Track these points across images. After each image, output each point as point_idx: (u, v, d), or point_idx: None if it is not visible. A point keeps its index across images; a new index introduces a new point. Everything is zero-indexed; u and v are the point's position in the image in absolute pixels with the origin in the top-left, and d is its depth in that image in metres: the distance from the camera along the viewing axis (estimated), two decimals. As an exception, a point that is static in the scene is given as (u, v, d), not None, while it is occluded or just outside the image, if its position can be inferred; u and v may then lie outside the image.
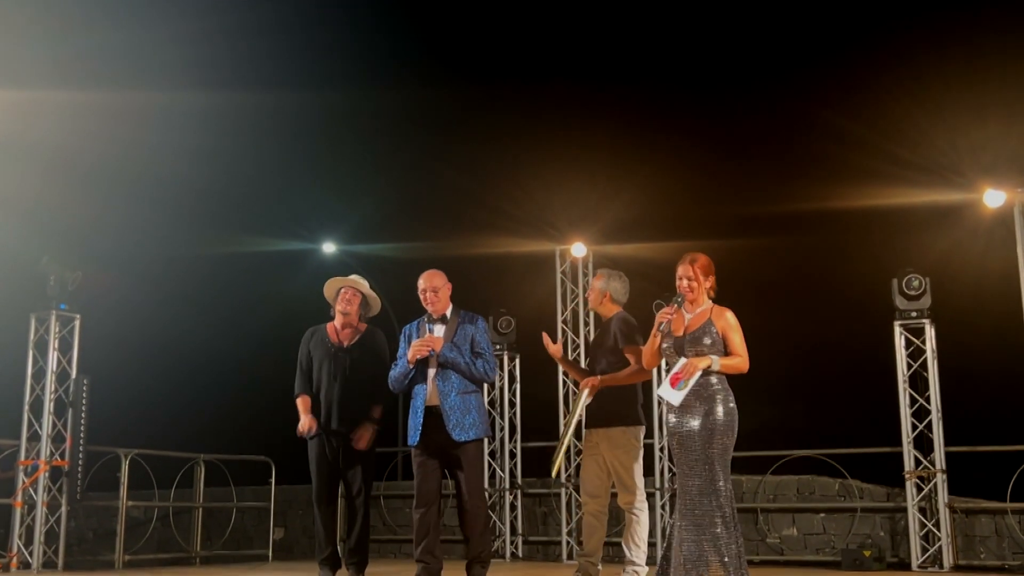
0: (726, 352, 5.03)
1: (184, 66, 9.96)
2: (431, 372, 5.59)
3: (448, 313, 5.73)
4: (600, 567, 6.07)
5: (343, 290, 6.23)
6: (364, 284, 6.30)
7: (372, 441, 6.06)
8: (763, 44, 12.01)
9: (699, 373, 4.92)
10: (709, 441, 4.89)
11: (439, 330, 5.68)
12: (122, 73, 9.44)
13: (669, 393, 4.97)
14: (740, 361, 5.02)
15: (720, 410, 4.92)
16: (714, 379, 4.98)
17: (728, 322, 5.07)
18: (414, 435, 5.59)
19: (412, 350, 5.60)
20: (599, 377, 5.96)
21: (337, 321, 6.25)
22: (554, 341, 6.19)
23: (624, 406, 5.99)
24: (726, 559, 4.73)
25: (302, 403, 6.13)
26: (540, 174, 11.56)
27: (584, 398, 5.87)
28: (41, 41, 8.72)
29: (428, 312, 5.75)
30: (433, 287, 5.70)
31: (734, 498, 4.95)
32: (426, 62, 13.28)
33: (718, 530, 4.79)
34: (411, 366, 5.62)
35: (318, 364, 6.14)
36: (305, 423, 6.05)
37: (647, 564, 5.98)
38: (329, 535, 6.11)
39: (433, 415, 5.55)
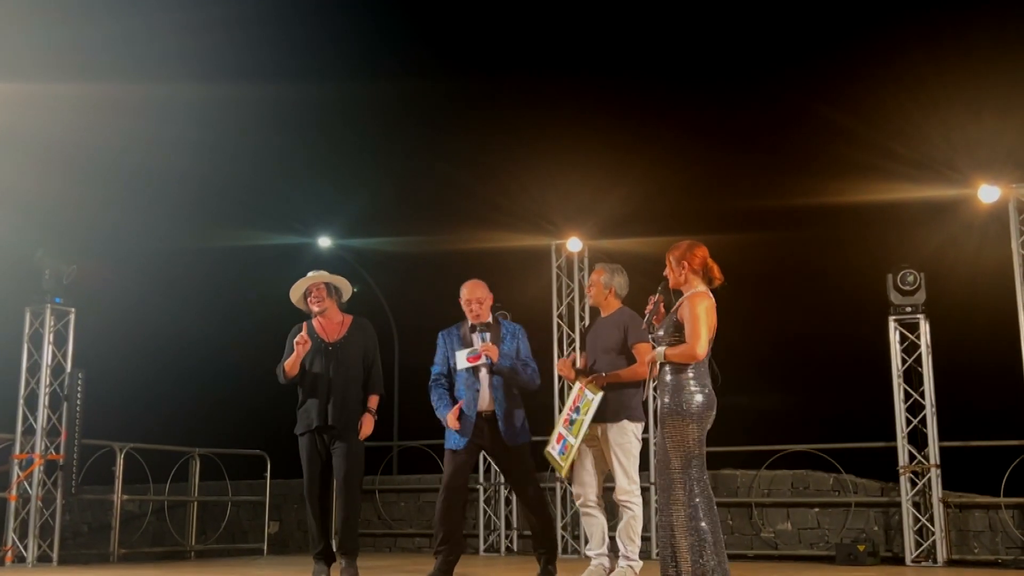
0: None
1: (179, 58, 9.94)
2: (485, 379, 5.77)
3: (489, 320, 5.89)
4: (609, 561, 6.03)
5: (308, 290, 6.20)
6: (324, 274, 6.26)
7: (370, 432, 6.12)
8: (759, 39, 12.01)
9: (654, 367, 4.81)
10: (663, 430, 4.74)
11: (485, 339, 5.82)
12: (118, 65, 9.42)
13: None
14: (685, 347, 4.65)
15: (668, 399, 4.71)
16: (667, 371, 4.74)
17: (687, 307, 4.69)
18: (460, 439, 5.73)
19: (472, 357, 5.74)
20: (603, 374, 5.94)
21: (318, 319, 6.24)
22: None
23: (629, 402, 5.99)
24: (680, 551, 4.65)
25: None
26: (536, 168, 11.56)
27: (599, 398, 5.85)
28: (37, 32, 8.69)
29: (471, 322, 5.88)
30: (478, 298, 5.85)
31: (708, 488, 4.75)
32: (422, 56, 13.27)
33: (679, 520, 4.66)
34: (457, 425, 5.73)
35: (309, 359, 6.10)
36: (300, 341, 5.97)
37: (640, 558, 5.98)
38: (322, 530, 6.11)
39: (486, 421, 5.76)
